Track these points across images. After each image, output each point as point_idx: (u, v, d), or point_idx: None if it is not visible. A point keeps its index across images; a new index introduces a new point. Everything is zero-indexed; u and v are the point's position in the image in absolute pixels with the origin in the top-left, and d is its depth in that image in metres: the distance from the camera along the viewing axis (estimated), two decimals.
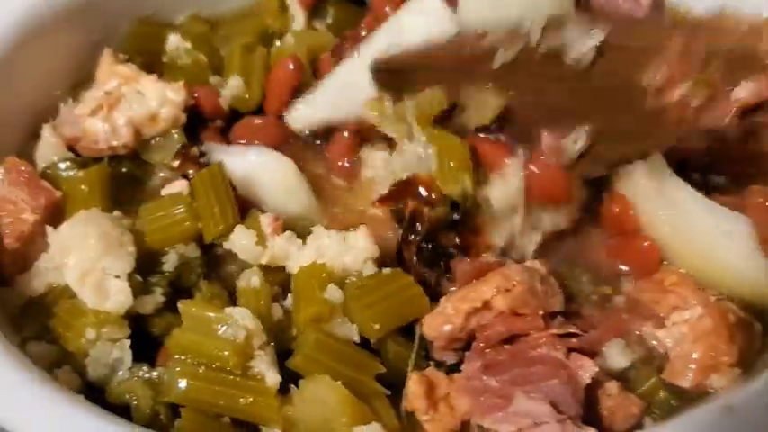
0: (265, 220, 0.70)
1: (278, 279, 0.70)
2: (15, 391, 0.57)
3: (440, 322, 0.68)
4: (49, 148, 0.76)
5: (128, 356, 0.65)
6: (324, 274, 0.69)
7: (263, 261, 0.69)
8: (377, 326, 0.66)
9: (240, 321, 0.64)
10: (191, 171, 0.73)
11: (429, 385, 0.65)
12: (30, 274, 0.68)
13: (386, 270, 0.69)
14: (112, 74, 0.78)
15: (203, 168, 0.73)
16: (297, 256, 0.70)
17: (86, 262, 0.65)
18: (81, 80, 0.82)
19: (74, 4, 0.83)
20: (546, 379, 0.63)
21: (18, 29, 0.79)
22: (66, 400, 0.58)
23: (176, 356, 0.64)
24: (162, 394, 0.63)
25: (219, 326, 0.63)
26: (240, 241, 0.68)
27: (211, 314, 0.64)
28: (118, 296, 0.65)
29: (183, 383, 0.62)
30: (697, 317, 0.68)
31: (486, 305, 0.67)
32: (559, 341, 0.66)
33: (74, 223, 0.68)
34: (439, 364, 0.68)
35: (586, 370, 0.64)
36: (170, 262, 0.69)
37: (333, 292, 0.67)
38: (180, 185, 0.72)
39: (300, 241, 0.70)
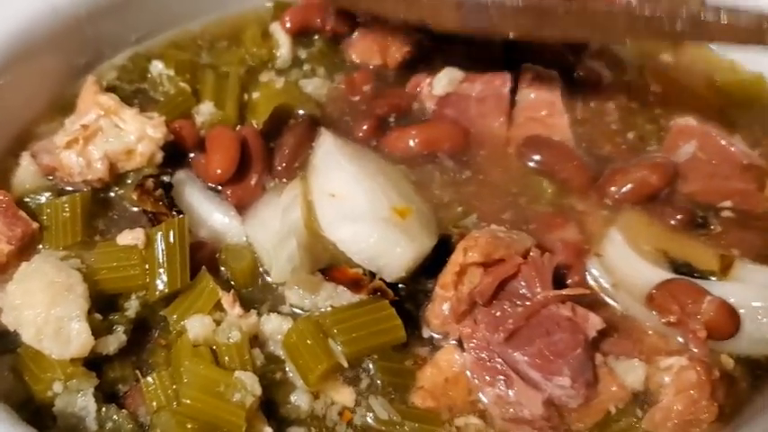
0: (227, 300, 0.65)
1: None
2: None
3: (438, 308, 0.65)
4: (27, 176, 0.72)
5: (93, 406, 0.60)
6: (315, 328, 0.64)
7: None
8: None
9: (249, 387, 0.59)
10: (148, 208, 0.69)
11: None
12: None
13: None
14: (94, 104, 0.74)
15: (161, 205, 0.69)
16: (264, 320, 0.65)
17: (38, 318, 0.61)
18: (64, 105, 0.78)
19: (59, 28, 0.78)
20: (573, 349, 0.62)
21: (1, 52, 0.75)
22: None
23: (166, 411, 0.59)
24: None
25: (229, 390, 0.58)
26: (194, 328, 0.63)
27: (221, 377, 0.59)
28: (78, 339, 0.60)
29: None
30: (679, 368, 0.63)
31: (464, 267, 0.65)
32: (565, 298, 0.64)
33: (18, 280, 0.63)
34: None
35: (594, 325, 0.63)
36: (132, 308, 0.65)
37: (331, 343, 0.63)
38: (135, 237, 0.66)
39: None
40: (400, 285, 0.67)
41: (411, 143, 0.77)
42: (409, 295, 0.68)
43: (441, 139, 0.78)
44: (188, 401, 0.58)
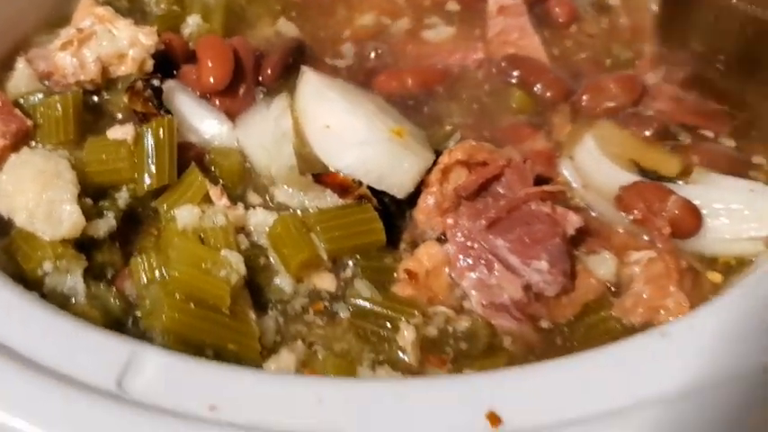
0: (215, 193, 0.67)
1: None
2: None
3: (423, 203, 0.67)
4: (22, 80, 0.73)
5: (81, 286, 0.61)
6: (300, 223, 0.65)
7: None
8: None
9: (235, 266, 0.61)
10: (139, 108, 0.70)
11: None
12: None
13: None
14: (89, 14, 0.75)
15: (150, 106, 0.70)
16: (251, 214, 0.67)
17: (29, 202, 0.62)
18: (61, 19, 0.80)
19: None
20: (551, 237, 0.64)
21: None
22: None
23: (155, 283, 0.61)
24: (143, 320, 0.60)
25: (216, 266, 0.60)
26: (183, 217, 0.64)
27: (208, 254, 0.61)
28: (70, 219, 0.62)
29: (170, 314, 0.58)
30: (648, 260, 0.66)
31: (448, 166, 0.67)
32: (545, 195, 0.66)
33: (7, 170, 0.65)
34: None
35: (572, 223, 0.65)
36: (122, 198, 0.66)
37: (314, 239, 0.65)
38: (125, 132, 0.68)
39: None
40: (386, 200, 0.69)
41: (407, 81, 0.79)
42: (398, 211, 0.69)
43: (431, 76, 0.81)
44: (176, 274, 0.59)
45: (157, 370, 0.51)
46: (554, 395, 0.50)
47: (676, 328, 0.55)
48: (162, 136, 0.66)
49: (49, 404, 0.47)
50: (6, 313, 0.54)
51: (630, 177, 0.71)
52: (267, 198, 0.69)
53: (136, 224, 0.67)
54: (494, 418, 0.49)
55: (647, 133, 0.75)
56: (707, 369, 0.52)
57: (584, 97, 0.77)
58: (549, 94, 0.78)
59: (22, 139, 0.69)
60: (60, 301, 0.60)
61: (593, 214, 0.70)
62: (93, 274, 0.63)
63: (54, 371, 0.49)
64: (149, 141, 0.66)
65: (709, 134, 0.76)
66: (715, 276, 0.65)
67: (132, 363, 0.51)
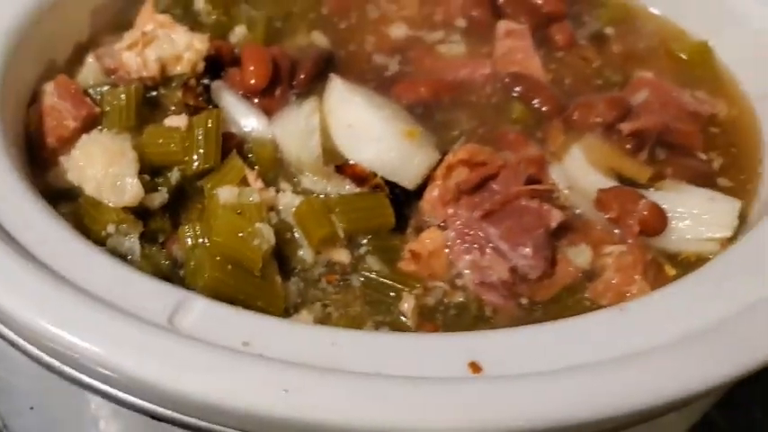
0: (251, 176, 0.78)
1: None
2: None
3: (429, 194, 0.78)
4: (90, 73, 0.85)
5: (137, 247, 0.72)
6: (322, 205, 0.76)
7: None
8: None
9: (267, 236, 0.71)
10: (191, 102, 0.82)
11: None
12: (63, 168, 0.78)
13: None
14: (151, 20, 0.87)
15: (200, 101, 0.82)
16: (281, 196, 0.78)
17: (98, 174, 0.74)
18: (124, 23, 0.92)
19: None
20: (536, 228, 0.75)
21: None
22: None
23: (199, 247, 0.71)
24: (187, 278, 0.70)
25: (250, 236, 0.70)
26: (224, 194, 0.74)
27: (245, 225, 0.71)
28: (131, 190, 0.73)
29: (211, 273, 0.68)
30: (619, 253, 0.76)
31: (452, 164, 0.78)
32: (534, 193, 0.77)
33: (79, 147, 0.76)
34: None
35: (555, 218, 0.76)
36: (174, 177, 0.77)
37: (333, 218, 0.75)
38: (180, 120, 0.79)
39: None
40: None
41: (421, 91, 0.90)
42: (407, 200, 0.80)
43: (443, 87, 0.92)
44: (218, 239, 0.70)
45: (203, 312, 0.61)
46: (527, 352, 0.61)
47: (633, 305, 0.66)
48: (210, 125, 0.78)
49: (108, 328, 0.58)
50: (73, 258, 0.65)
51: (610, 183, 0.81)
52: (295, 184, 0.81)
53: (184, 200, 0.78)
54: (475, 367, 0.59)
55: (628, 146, 0.85)
56: (657, 338, 0.62)
57: (576, 113, 0.87)
58: (545, 108, 0.89)
59: (90, 124, 0.81)
60: (119, 259, 0.71)
61: (577, 212, 0.80)
62: (147, 238, 0.74)
63: (112, 303, 0.60)
64: (199, 129, 0.78)
65: (682, 149, 0.87)
66: (671, 270, 0.76)
67: (182, 305, 0.62)
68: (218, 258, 0.70)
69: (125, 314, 0.60)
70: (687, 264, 0.77)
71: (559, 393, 0.57)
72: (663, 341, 0.62)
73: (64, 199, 0.76)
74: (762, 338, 0.62)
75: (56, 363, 0.61)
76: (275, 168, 0.82)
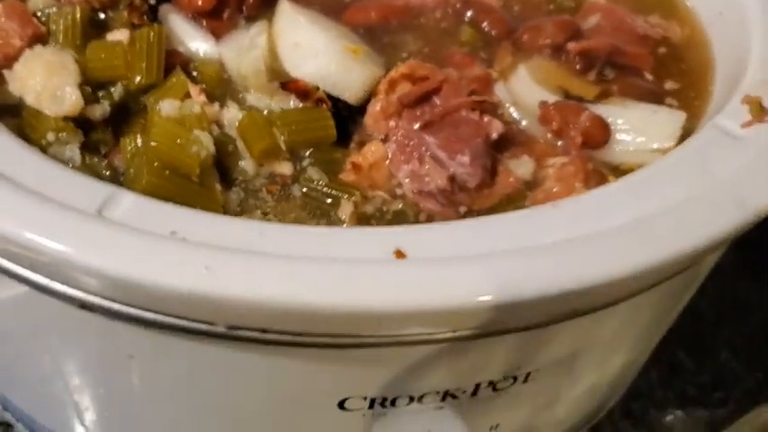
0: (194, 91, 0.78)
1: None
2: None
3: (372, 108, 0.78)
4: None
5: (78, 156, 0.73)
6: (264, 118, 0.77)
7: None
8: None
9: (205, 144, 0.72)
10: (136, 21, 0.82)
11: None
12: (7, 84, 0.77)
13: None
14: None
15: (145, 20, 0.83)
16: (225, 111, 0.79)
17: (38, 85, 0.74)
18: None
19: None
20: (474, 137, 0.76)
21: None
22: None
23: (138, 155, 0.71)
24: (126, 185, 0.70)
25: (189, 143, 0.71)
26: (166, 107, 0.75)
27: (182, 132, 0.72)
28: (71, 99, 0.73)
29: (149, 179, 0.69)
30: (561, 164, 0.78)
31: (395, 79, 0.79)
32: (474, 104, 0.77)
33: (22, 61, 0.77)
34: None
35: (496, 128, 0.77)
36: (117, 91, 0.78)
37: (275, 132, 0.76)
38: (122, 34, 0.80)
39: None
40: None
41: (371, 15, 0.91)
42: (350, 116, 0.81)
43: (393, 11, 0.92)
44: (154, 144, 0.70)
45: (131, 205, 0.62)
46: (453, 241, 0.61)
47: (565, 202, 0.66)
48: (152, 39, 0.79)
49: (35, 214, 0.59)
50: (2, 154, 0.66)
51: (555, 99, 0.82)
52: (240, 101, 0.81)
53: (128, 115, 0.79)
54: (399, 254, 0.60)
55: (577, 68, 0.86)
56: (581, 231, 0.62)
57: (525, 35, 0.88)
58: (494, 32, 0.89)
59: (36, 42, 0.81)
60: None
61: (521, 127, 0.81)
62: (88, 149, 0.74)
63: (41, 194, 0.61)
64: (142, 44, 0.78)
65: (632, 71, 0.87)
66: (613, 180, 0.76)
67: (112, 198, 0.62)
68: (156, 164, 0.70)
69: (54, 203, 0.60)
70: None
71: (485, 273, 0.58)
72: (588, 233, 0.62)
73: (9, 115, 0.76)
74: (685, 233, 0.62)
75: None
76: (221, 87, 0.82)
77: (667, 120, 0.79)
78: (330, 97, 0.79)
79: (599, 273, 0.59)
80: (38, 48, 0.79)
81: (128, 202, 0.62)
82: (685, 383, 1.17)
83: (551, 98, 0.82)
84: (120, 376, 0.71)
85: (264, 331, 0.58)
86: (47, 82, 0.74)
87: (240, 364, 0.64)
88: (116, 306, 0.60)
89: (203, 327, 0.59)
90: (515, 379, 0.73)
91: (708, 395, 1.17)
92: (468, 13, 0.91)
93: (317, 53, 0.80)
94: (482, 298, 0.56)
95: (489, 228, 0.63)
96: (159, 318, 0.60)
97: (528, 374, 0.73)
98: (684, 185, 0.67)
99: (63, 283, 0.60)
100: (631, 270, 0.59)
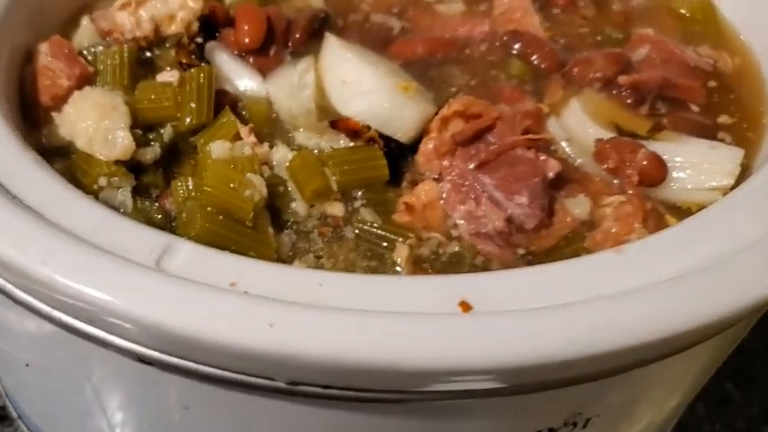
0: (244, 132, 0.77)
1: None
2: None
3: (424, 147, 0.77)
4: (85, 35, 0.84)
5: (129, 201, 0.72)
6: (315, 158, 0.76)
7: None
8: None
9: (258, 187, 0.71)
10: (184, 60, 0.82)
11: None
12: (56, 125, 0.77)
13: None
14: None
15: (193, 59, 0.82)
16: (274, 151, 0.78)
17: (89, 129, 0.73)
18: None
19: None
20: (532, 177, 0.74)
21: None
22: None
23: (191, 199, 0.70)
24: (179, 230, 0.70)
25: (242, 187, 0.70)
26: (216, 149, 0.75)
27: (235, 176, 0.71)
28: (123, 143, 0.73)
29: (202, 224, 0.67)
30: (618, 203, 0.75)
31: (447, 117, 0.77)
32: (530, 143, 0.76)
33: (72, 103, 0.76)
34: None
35: (552, 167, 0.75)
36: (167, 133, 0.77)
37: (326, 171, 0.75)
38: (172, 75, 0.79)
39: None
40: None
41: (418, 49, 0.90)
42: (402, 154, 0.79)
43: (440, 45, 0.91)
44: (208, 189, 0.69)
45: (189, 255, 0.61)
46: (518, 291, 0.59)
47: (630, 246, 0.64)
48: (202, 80, 0.78)
49: (94, 267, 0.58)
50: (61, 204, 0.65)
51: (609, 135, 0.80)
52: (289, 141, 0.80)
53: (178, 157, 0.78)
54: (465, 306, 0.58)
55: (628, 102, 0.84)
56: (653, 277, 0.60)
57: (575, 68, 0.86)
58: (544, 65, 0.88)
59: (84, 83, 0.80)
60: None
61: (576, 164, 0.79)
62: (140, 192, 0.74)
63: (99, 245, 0.60)
64: (191, 84, 0.78)
65: (684, 104, 0.85)
66: (672, 220, 0.74)
67: (169, 248, 0.61)
68: (209, 209, 0.69)
69: (111, 255, 0.59)
70: (688, 214, 0.75)
71: (551, 328, 0.56)
72: (659, 279, 0.60)
73: (58, 156, 0.76)
74: (760, 276, 0.60)
75: (43, 307, 0.61)
76: (269, 126, 0.81)
77: (726, 157, 0.77)
78: (381, 136, 0.78)
79: (678, 322, 0.56)
80: (87, 89, 0.78)
81: (185, 253, 0.61)
82: (734, 416, 1.15)
83: (604, 134, 0.80)
84: (173, 425, 0.70)
85: (327, 387, 0.57)
86: (98, 125, 0.73)
87: (299, 417, 0.63)
88: (174, 360, 0.58)
89: (263, 382, 0.58)
90: (575, 425, 0.71)
91: (757, 427, 1.14)
92: (516, 46, 0.90)
93: (368, 91, 0.79)
94: (554, 353, 0.55)
95: (555, 276, 0.61)
96: (218, 373, 0.58)
97: (588, 420, 0.71)
98: (758, 222, 0.65)
99: (121, 337, 0.58)
100: (716, 317, 0.57)
